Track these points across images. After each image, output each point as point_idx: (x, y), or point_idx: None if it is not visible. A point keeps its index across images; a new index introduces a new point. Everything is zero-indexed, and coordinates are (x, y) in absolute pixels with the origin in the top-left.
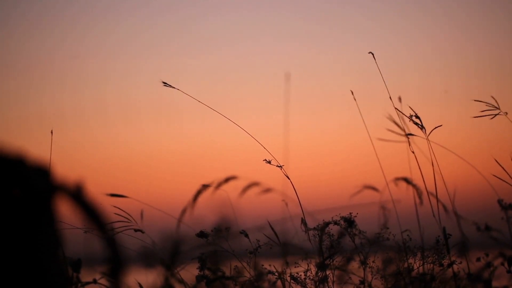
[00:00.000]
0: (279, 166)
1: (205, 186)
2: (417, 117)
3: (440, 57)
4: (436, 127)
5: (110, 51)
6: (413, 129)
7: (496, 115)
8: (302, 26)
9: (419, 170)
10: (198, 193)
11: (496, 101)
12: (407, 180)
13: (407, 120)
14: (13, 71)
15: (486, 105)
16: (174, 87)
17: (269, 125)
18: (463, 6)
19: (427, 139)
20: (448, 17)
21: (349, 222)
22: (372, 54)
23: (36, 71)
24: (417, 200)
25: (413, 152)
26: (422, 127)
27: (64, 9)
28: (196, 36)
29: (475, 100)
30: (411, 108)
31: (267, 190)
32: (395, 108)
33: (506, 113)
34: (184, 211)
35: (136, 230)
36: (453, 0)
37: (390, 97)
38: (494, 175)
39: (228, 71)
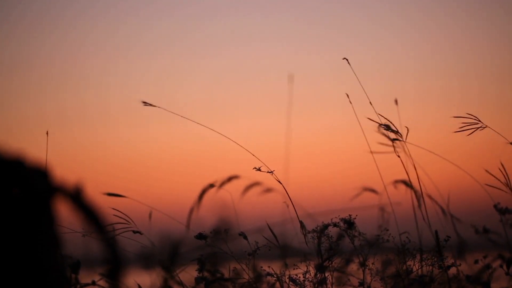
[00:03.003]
0: (269, 172)
1: (209, 186)
2: (389, 126)
3: (437, 60)
4: (407, 132)
5: (110, 52)
6: (403, 133)
7: (476, 129)
8: (302, 29)
9: (406, 174)
10: (203, 192)
11: (474, 116)
12: (406, 183)
13: (389, 125)
14: (13, 71)
15: (463, 122)
16: (154, 106)
17: (269, 127)
18: (460, 8)
19: (405, 142)
20: (446, 19)
21: (349, 223)
22: (347, 60)
23: (36, 72)
24: (415, 203)
25: (398, 156)
26: (397, 133)
27: (64, 9)
28: (199, 38)
29: (454, 117)
30: (381, 115)
31: (268, 190)
32: (368, 118)
33: (486, 126)
34: (191, 211)
35: (135, 232)
36: (451, 1)
37: (370, 103)
38: (487, 184)
39: (229, 73)
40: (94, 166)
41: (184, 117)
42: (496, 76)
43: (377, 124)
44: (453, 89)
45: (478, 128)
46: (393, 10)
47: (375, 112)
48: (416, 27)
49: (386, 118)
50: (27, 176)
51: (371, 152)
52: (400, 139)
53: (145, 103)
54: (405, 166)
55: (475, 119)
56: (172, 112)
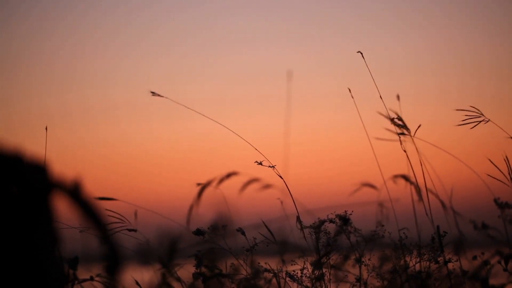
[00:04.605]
0: (271, 167)
1: (208, 183)
2: (399, 119)
3: (435, 56)
4: (418, 127)
5: (112, 49)
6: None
7: (479, 122)
8: (301, 28)
9: (411, 168)
10: (202, 189)
11: (477, 109)
12: (405, 178)
13: (395, 120)
14: (15, 67)
15: (466, 115)
16: (162, 96)
17: (270, 123)
18: (458, 7)
19: (413, 137)
20: (443, 17)
21: (344, 220)
22: (361, 53)
23: (38, 68)
24: (415, 197)
25: (404, 151)
26: (406, 128)
27: (68, 6)
28: (200, 38)
29: (457, 110)
30: (390, 110)
31: (267, 186)
32: (378, 112)
33: (489, 120)
34: (190, 209)
35: (130, 230)
36: (448, 1)
37: (380, 97)
38: (488, 175)
39: (230, 71)
40: (94, 162)
41: (190, 109)
42: (496, 71)
43: (384, 118)
44: (452, 84)
45: (481, 121)
46: (389, 8)
47: (385, 107)
48: (413, 23)
49: (395, 113)
50: (25, 172)
51: (375, 138)
52: (407, 133)
53: (153, 93)
54: (410, 161)
55: (477, 113)
56: (179, 103)
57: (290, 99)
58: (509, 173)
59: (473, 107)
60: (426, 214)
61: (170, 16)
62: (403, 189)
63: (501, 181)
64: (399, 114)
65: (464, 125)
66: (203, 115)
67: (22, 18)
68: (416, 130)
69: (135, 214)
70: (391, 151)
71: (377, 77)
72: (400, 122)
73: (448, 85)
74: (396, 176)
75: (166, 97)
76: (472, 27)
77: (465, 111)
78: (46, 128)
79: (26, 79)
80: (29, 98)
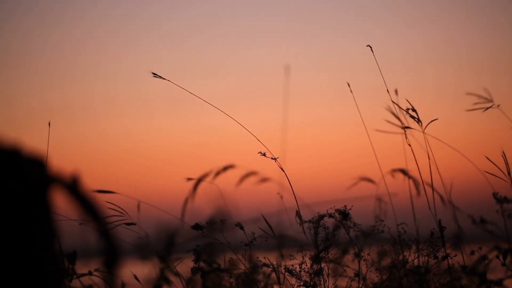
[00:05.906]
0: (273, 159)
1: (204, 176)
2: (413, 110)
3: (433, 50)
4: (432, 121)
5: (114, 44)
6: (409, 122)
7: (489, 107)
8: (300, 22)
9: (415, 162)
10: (198, 182)
11: (489, 93)
12: (404, 172)
13: (403, 112)
14: (16, 64)
15: (478, 98)
16: (164, 78)
17: (267, 118)
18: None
19: (424, 132)
20: (442, 10)
21: (344, 214)
22: (370, 47)
23: (38, 65)
24: (414, 192)
25: (409, 145)
26: (418, 121)
27: (71, 2)
28: (198, 33)
29: (467, 93)
30: (408, 101)
31: (264, 180)
32: (393, 101)
33: (499, 105)
34: (186, 201)
35: (129, 224)
36: None
37: (387, 90)
38: (487, 172)
39: (228, 65)
40: (96, 156)
41: (192, 93)
42: (496, 64)
43: (383, 111)
44: (450, 79)
45: (490, 107)
46: (386, 2)
47: (391, 100)
48: (410, 18)
49: (410, 104)
50: (23, 166)
51: (375, 130)
52: (413, 127)
53: (154, 74)
54: (415, 155)
55: (487, 98)
56: (180, 87)
57: (288, 94)
58: (507, 169)
59: (485, 90)
60: (429, 208)
61: (171, 12)
62: (401, 184)
63: (498, 177)
64: (413, 106)
65: (466, 120)
66: (204, 101)
67: (24, 12)
68: (428, 124)
69: (138, 207)
70: (389, 145)
71: (374, 72)
72: (414, 114)
73: (446, 80)
74: (394, 170)
75: (168, 80)
76: (471, 22)
77: (471, 99)
78: (49, 124)
79: (28, 74)
80: (31, 93)
